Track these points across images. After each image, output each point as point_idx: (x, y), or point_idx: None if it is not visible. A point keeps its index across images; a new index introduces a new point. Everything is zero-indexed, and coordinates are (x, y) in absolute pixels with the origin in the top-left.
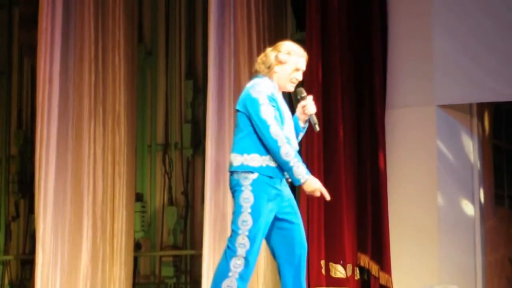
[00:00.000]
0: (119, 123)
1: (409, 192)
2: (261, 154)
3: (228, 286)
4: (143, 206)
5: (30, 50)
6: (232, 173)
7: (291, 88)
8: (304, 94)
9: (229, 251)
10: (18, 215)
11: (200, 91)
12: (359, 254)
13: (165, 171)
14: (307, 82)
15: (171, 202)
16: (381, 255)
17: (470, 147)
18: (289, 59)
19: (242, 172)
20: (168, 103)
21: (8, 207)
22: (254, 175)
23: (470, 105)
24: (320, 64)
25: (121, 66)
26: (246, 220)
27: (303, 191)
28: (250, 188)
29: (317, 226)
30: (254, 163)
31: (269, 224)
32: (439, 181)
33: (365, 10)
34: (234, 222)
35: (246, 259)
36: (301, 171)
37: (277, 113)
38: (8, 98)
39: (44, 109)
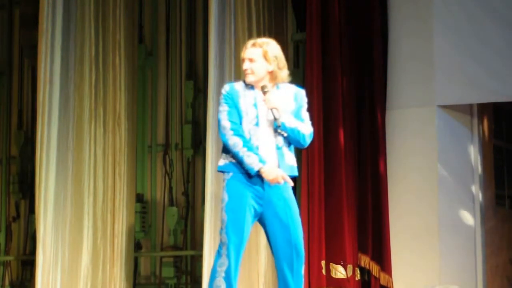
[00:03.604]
0: (119, 124)
1: (410, 192)
2: (225, 153)
3: (216, 286)
4: (144, 207)
5: (31, 50)
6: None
7: (247, 79)
8: (266, 89)
9: (216, 252)
10: (18, 216)
11: (200, 92)
12: (359, 254)
13: (166, 171)
14: (308, 83)
15: (171, 202)
16: (381, 255)
17: (471, 147)
18: (241, 56)
19: (222, 173)
20: (168, 103)
21: (9, 207)
22: (228, 176)
23: (471, 105)
24: (320, 65)
25: (122, 67)
26: (223, 218)
27: (304, 192)
28: (226, 188)
29: (318, 226)
30: (220, 162)
31: (249, 221)
32: (439, 182)
33: (365, 11)
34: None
35: (227, 256)
36: (252, 160)
37: (233, 109)
38: (9, 99)
39: (45, 110)
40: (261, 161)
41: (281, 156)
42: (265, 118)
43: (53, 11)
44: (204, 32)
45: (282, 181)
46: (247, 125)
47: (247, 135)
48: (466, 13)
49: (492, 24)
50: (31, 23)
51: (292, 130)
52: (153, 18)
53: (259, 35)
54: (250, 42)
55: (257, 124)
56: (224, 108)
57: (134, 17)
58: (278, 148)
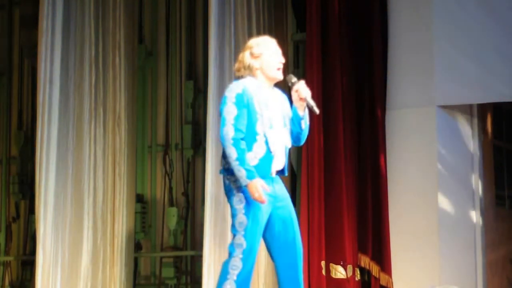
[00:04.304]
0: (119, 124)
1: (410, 192)
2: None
3: None
4: (144, 207)
5: (31, 50)
6: (223, 176)
7: (279, 75)
8: (295, 79)
9: (229, 254)
10: (18, 216)
11: (200, 92)
12: (359, 254)
13: (166, 172)
14: (308, 83)
15: (171, 203)
16: (381, 255)
17: (471, 147)
18: (263, 49)
19: (227, 175)
20: (168, 103)
21: (9, 207)
22: None
23: (471, 105)
24: (320, 65)
25: (122, 67)
26: (242, 221)
27: (304, 192)
28: (241, 189)
29: (318, 226)
30: (229, 165)
31: (264, 224)
32: (439, 182)
33: (365, 11)
34: (232, 225)
35: (243, 259)
36: (241, 174)
37: (244, 111)
38: (9, 99)
39: (45, 110)
40: (249, 177)
41: (287, 157)
42: (277, 119)
43: (53, 11)
44: (204, 32)
45: (265, 202)
46: (262, 128)
47: (262, 138)
48: (466, 13)
49: (492, 24)
50: (31, 23)
51: (307, 125)
52: (153, 18)
53: (259, 35)
54: (271, 38)
55: (271, 126)
56: (232, 110)
57: (134, 17)
58: (287, 149)
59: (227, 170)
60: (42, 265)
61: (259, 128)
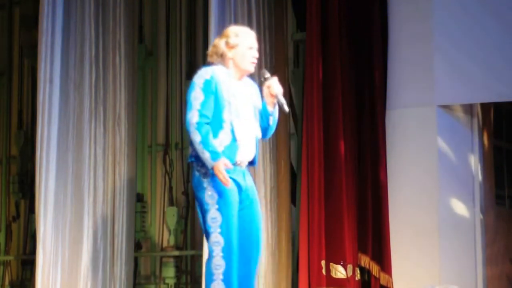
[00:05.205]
0: (119, 123)
1: (410, 192)
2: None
3: None
4: (144, 207)
5: (31, 50)
6: (194, 168)
7: (251, 68)
8: (268, 75)
9: (209, 254)
10: (18, 215)
11: None
12: (359, 254)
13: (166, 171)
14: (308, 83)
15: (171, 202)
16: (381, 255)
17: (471, 147)
18: (239, 41)
19: (197, 165)
20: (168, 103)
21: (9, 207)
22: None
23: (471, 105)
24: (321, 64)
25: (122, 67)
26: (215, 216)
27: (304, 192)
28: (212, 183)
29: (318, 226)
30: (194, 152)
31: (236, 216)
32: (439, 181)
33: (365, 10)
34: (204, 222)
35: (224, 257)
36: (206, 157)
37: (211, 98)
38: (9, 99)
39: (45, 109)
40: (213, 158)
41: (257, 147)
42: (246, 109)
43: (53, 11)
44: (205, 32)
45: (228, 184)
46: (228, 116)
47: (228, 126)
48: (466, 13)
49: (492, 23)
50: (31, 23)
51: (276, 120)
52: (153, 18)
53: (259, 35)
54: (251, 31)
55: (238, 116)
56: (199, 96)
57: (134, 17)
58: (257, 140)
59: (196, 158)
60: (42, 264)
61: (226, 115)
